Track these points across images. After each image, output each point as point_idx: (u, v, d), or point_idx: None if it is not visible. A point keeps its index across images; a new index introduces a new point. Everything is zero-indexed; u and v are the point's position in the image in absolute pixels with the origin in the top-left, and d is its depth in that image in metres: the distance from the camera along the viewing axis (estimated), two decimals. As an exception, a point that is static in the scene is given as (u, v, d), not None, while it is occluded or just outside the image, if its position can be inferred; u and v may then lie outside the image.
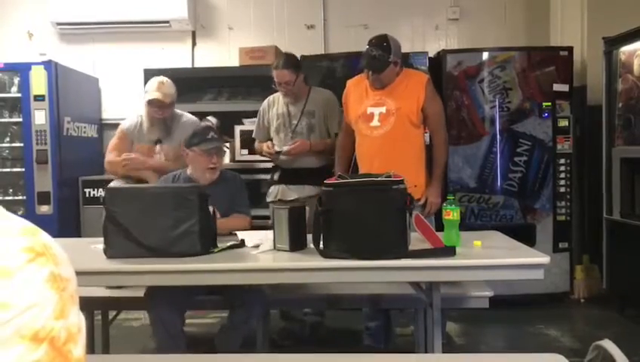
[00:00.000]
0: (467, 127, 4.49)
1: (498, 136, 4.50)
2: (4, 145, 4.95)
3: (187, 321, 3.83)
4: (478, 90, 4.49)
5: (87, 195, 4.93)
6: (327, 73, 4.48)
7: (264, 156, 3.93)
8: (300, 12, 5.60)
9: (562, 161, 4.56)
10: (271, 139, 3.83)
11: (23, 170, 4.81)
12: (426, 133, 3.51)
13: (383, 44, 3.27)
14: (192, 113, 5.00)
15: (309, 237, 2.53)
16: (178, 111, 3.79)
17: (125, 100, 5.40)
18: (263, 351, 3.11)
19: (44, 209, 4.72)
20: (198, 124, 3.71)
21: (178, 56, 5.63)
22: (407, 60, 4.10)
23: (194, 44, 5.70)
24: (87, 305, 2.61)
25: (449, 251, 2.40)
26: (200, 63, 5.63)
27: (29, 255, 0.66)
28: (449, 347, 3.51)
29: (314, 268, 2.42)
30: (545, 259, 2.33)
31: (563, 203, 4.57)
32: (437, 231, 2.70)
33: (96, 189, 4.85)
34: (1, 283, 0.63)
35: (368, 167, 3.29)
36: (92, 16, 5.39)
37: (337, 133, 3.68)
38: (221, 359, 2.33)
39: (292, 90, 3.69)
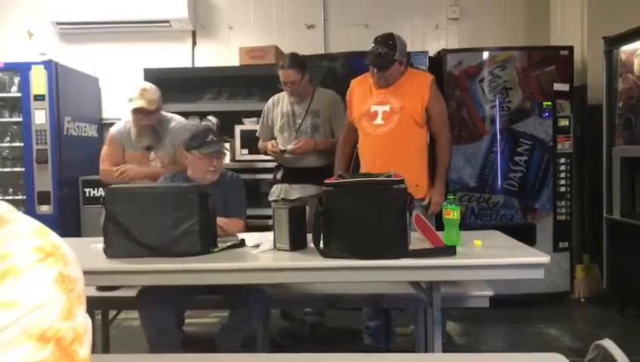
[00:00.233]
0: (467, 126, 4.49)
1: (498, 135, 4.50)
2: (4, 144, 4.96)
3: (188, 321, 3.85)
4: (479, 89, 4.49)
5: (87, 195, 4.94)
6: (327, 73, 4.47)
7: (268, 155, 3.93)
8: (300, 12, 5.60)
9: (562, 160, 4.56)
10: (275, 138, 3.83)
11: (23, 169, 4.81)
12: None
13: (389, 42, 3.28)
14: (192, 113, 5.05)
15: (310, 236, 2.53)
16: (166, 114, 3.71)
17: (125, 100, 5.39)
18: (263, 350, 3.11)
19: (44, 209, 4.72)
20: (188, 126, 3.69)
21: (178, 55, 5.63)
22: (407, 60, 4.09)
23: (194, 43, 5.70)
24: (87, 305, 2.61)
25: (449, 251, 2.40)
26: (200, 63, 5.64)
27: (39, 255, 0.66)
28: (449, 346, 3.51)
29: (314, 267, 2.41)
30: (545, 259, 2.33)
31: (563, 202, 4.57)
32: (437, 230, 2.70)
33: (96, 189, 4.84)
34: (10, 282, 0.63)
35: (370, 166, 3.28)
36: (92, 16, 5.39)
37: None
38: (222, 359, 2.33)
39: (297, 89, 3.69)
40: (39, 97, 4.75)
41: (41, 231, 0.69)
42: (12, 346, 0.61)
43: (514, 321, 4.12)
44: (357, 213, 2.41)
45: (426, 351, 2.91)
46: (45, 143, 4.75)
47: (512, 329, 4.07)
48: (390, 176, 2.48)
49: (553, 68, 4.51)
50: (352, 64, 4.46)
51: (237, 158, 4.80)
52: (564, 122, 4.54)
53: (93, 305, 3.10)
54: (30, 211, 4.66)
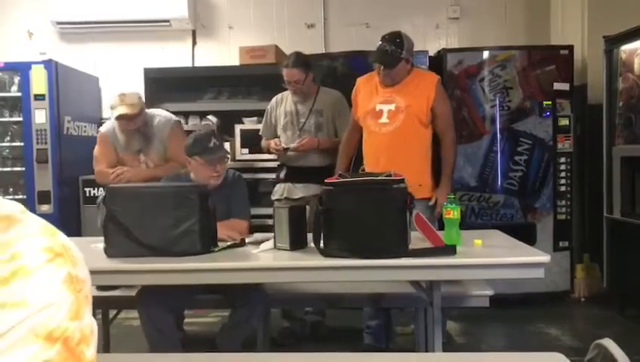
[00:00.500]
0: (468, 126, 4.49)
1: (498, 135, 4.50)
2: (4, 144, 4.96)
3: (188, 320, 3.85)
4: (479, 89, 4.49)
5: (87, 194, 4.93)
6: (327, 72, 4.47)
7: (271, 153, 3.93)
8: (300, 11, 5.60)
9: (563, 160, 4.56)
10: (278, 137, 3.83)
11: (24, 169, 4.81)
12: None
13: (396, 40, 3.28)
14: (193, 112, 5.05)
15: (310, 236, 2.53)
16: (149, 112, 3.67)
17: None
18: (263, 350, 3.11)
19: (45, 208, 4.72)
20: (173, 120, 3.67)
21: (178, 55, 5.63)
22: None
23: (194, 43, 5.70)
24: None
25: (449, 250, 2.40)
26: (200, 62, 5.64)
27: (49, 255, 0.66)
28: (449, 346, 3.51)
29: (314, 267, 2.42)
30: (545, 258, 2.33)
31: (563, 202, 4.57)
32: (438, 230, 2.70)
33: (96, 188, 4.84)
34: (19, 282, 0.63)
35: (374, 164, 3.29)
36: (92, 16, 5.39)
37: None
38: (222, 358, 2.33)
39: (301, 88, 3.69)
40: (39, 97, 4.75)
41: (50, 230, 0.70)
42: (19, 345, 0.61)
43: (514, 321, 4.12)
44: (357, 212, 2.41)
45: (426, 351, 2.91)
46: (45, 143, 4.75)
47: (513, 329, 4.07)
48: (390, 176, 2.48)
49: (553, 67, 4.51)
50: (352, 64, 4.46)
51: (237, 158, 4.80)
52: (564, 121, 4.54)
53: (94, 305, 3.09)
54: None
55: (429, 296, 2.62)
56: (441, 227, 2.74)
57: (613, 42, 4.33)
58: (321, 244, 2.46)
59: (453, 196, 2.73)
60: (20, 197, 4.82)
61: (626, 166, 4.21)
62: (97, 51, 5.69)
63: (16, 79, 4.84)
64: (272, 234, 2.66)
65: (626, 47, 4.23)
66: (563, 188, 4.57)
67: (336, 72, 4.46)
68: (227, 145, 4.84)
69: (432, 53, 4.72)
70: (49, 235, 0.69)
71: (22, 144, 4.81)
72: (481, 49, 4.61)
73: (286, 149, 3.72)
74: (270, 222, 2.80)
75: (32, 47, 5.65)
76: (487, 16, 5.54)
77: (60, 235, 0.70)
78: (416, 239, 2.55)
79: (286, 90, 3.79)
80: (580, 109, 4.77)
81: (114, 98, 3.51)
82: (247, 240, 2.78)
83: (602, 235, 4.46)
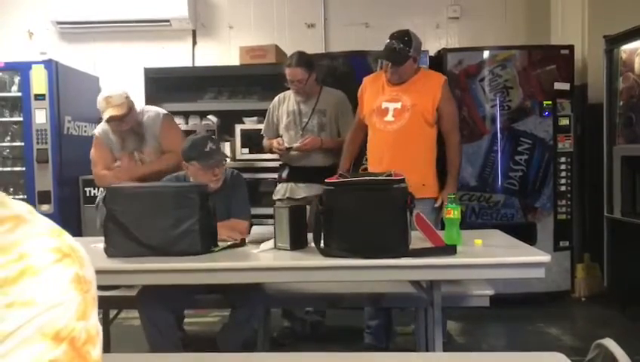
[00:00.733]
0: (468, 125, 4.49)
1: (499, 134, 4.50)
2: (4, 144, 4.96)
3: (188, 320, 3.86)
4: (479, 88, 4.49)
5: (87, 194, 4.94)
6: (327, 72, 4.46)
7: (273, 153, 3.93)
8: (300, 11, 5.60)
9: (563, 159, 4.56)
10: (280, 136, 3.82)
11: (24, 169, 4.82)
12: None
13: (404, 38, 3.31)
14: (193, 112, 5.05)
15: (310, 236, 2.53)
16: (139, 109, 3.65)
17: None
18: (263, 349, 3.11)
19: (45, 208, 4.71)
20: (162, 113, 3.64)
21: (178, 55, 5.63)
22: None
23: (194, 42, 5.71)
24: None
25: (450, 250, 2.40)
26: (200, 62, 5.64)
27: (56, 255, 0.67)
28: (450, 346, 3.51)
29: (314, 266, 2.41)
30: (546, 258, 2.32)
31: (564, 201, 4.56)
32: (439, 230, 2.70)
33: (96, 188, 4.83)
34: (27, 281, 0.64)
35: (377, 162, 3.31)
36: (92, 15, 5.39)
37: None
38: (222, 358, 2.32)
39: (304, 88, 3.69)
40: (40, 97, 4.75)
41: (57, 231, 0.71)
42: (26, 344, 0.62)
43: (514, 320, 4.12)
44: (357, 212, 2.41)
45: (426, 351, 2.90)
46: (46, 143, 4.75)
47: (513, 329, 4.07)
48: (391, 176, 2.48)
49: (554, 67, 4.50)
50: (352, 63, 4.46)
51: (237, 158, 4.81)
52: (564, 121, 4.54)
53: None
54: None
55: (429, 295, 2.62)
56: (442, 227, 2.74)
57: (614, 42, 4.33)
58: (322, 244, 2.46)
59: (453, 196, 2.73)
60: (21, 197, 4.81)
61: (626, 165, 4.21)
62: (97, 51, 5.69)
63: (17, 79, 4.85)
64: (271, 228, 2.65)
65: (627, 47, 4.23)
66: (563, 188, 4.57)
67: (336, 72, 4.45)
68: (227, 145, 4.86)
69: (432, 52, 4.71)
70: (56, 236, 0.70)
71: (22, 144, 4.81)
72: (481, 49, 4.61)
73: (289, 149, 3.71)
74: (271, 222, 2.80)
75: (33, 47, 5.66)
76: (488, 15, 5.54)
77: (67, 236, 0.71)
78: (417, 239, 2.55)
79: (288, 89, 3.78)
80: (581, 109, 4.76)
81: (100, 101, 3.48)
82: (247, 239, 2.78)
83: (603, 235, 4.45)
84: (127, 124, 3.50)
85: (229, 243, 2.70)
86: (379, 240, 2.37)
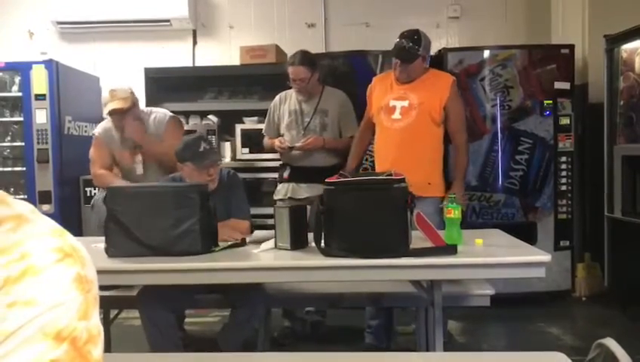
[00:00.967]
0: (468, 125, 4.46)
1: (499, 134, 4.49)
2: (5, 144, 4.96)
3: (189, 320, 3.86)
4: (479, 88, 4.49)
5: (87, 194, 4.94)
6: (327, 72, 4.46)
7: (274, 152, 3.92)
8: (300, 11, 5.60)
9: (563, 159, 4.56)
10: (281, 135, 3.81)
11: (24, 169, 4.82)
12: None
13: (414, 36, 3.35)
14: (193, 112, 5.06)
15: (311, 235, 2.53)
16: (145, 109, 3.72)
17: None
18: (264, 349, 3.11)
19: (45, 208, 4.71)
20: (169, 115, 3.65)
21: (179, 54, 5.63)
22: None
23: (195, 42, 5.71)
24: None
25: (450, 249, 2.40)
26: (201, 62, 5.64)
27: (58, 255, 0.67)
28: (450, 345, 3.51)
29: (315, 266, 2.41)
30: (546, 257, 2.32)
31: (564, 201, 4.56)
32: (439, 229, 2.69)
33: (96, 188, 4.84)
34: (29, 281, 0.64)
35: (383, 160, 3.33)
36: (93, 15, 5.39)
37: (353, 136, 3.68)
38: (223, 358, 2.32)
39: (306, 87, 3.68)
40: (40, 97, 4.75)
41: (59, 232, 0.71)
42: (28, 344, 0.62)
43: (515, 320, 4.11)
44: (358, 212, 2.41)
45: (427, 350, 2.90)
46: (46, 143, 4.75)
47: (514, 328, 4.07)
48: (391, 175, 2.49)
49: (554, 66, 4.50)
50: (353, 63, 4.47)
51: (238, 157, 4.81)
52: (565, 121, 4.54)
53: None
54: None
55: (429, 295, 2.62)
56: (443, 226, 2.74)
57: (614, 41, 4.33)
58: (322, 244, 2.46)
59: (453, 195, 2.73)
60: (21, 197, 4.81)
61: (626, 165, 4.20)
62: (98, 51, 5.69)
63: (17, 79, 4.85)
64: (273, 231, 2.66)
65: (627, 46, 4.23)
66: (564, 188, 4.56)
67: (336, 72, 4.45)
68: (228, 145, 4.87)
69: (432, 52, 4.70)
70: (58, 236, 0.70)
71: (22, 144, 4.81)
72: (481, 48, 4.61)
73: (291, 148, 3.71)
74: (271, 221, 2.80)
75: (33, 47, 5.66)
76: (488, 15, 5.54)
77: (69, 236, 0.71)
78: (417, 238, 2.55)
79: (290, 88, 3.77)
80: (581, 108, 4.76)
81: (104, 96, 3.53)
82: (247, 240, 2.78)
83: (603, 234, 4.45)
84: (129, 119, 3.52)
85: (229, 243, 2.70)
86: (379, 240, 2.37)
